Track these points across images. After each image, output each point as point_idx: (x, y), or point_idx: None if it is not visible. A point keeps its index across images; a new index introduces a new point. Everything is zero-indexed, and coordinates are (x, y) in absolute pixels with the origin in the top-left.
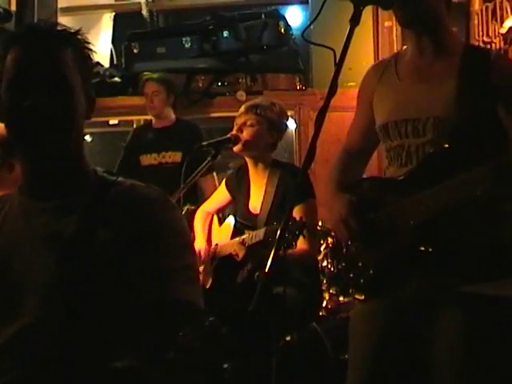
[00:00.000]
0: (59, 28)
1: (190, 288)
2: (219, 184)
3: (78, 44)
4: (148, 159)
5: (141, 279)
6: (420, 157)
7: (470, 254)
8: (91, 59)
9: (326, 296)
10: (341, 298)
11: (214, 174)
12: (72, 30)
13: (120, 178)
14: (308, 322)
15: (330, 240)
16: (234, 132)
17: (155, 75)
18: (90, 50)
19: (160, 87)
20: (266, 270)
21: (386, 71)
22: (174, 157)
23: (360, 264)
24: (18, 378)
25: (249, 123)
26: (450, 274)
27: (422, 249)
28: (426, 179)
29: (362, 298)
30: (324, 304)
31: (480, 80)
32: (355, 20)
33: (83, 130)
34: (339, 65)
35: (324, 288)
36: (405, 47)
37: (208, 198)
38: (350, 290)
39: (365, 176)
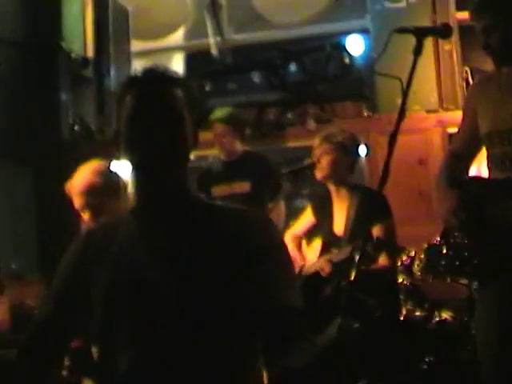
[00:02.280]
0: (171, 72)
1: (296, 296)
2: (287, 208)
3: (185, 85)
4: (219, 191)
5: (256, 290)
6: None
7: None
8: (195, 98)
9: (403, 310)
10: (417, 313)
11: (282, 202)
12: (182, 76)
13: (221, 203)
14: (388, 333)
15: (404, 258)
16: (311, 160)
17: (222, 115)
18: (193, 90)
19: (227, 127)
20: (352, 279)
21: (489, 84)
22: (244, 186)
23: (466, 254)
24: None
25: (325, 152)
26: None
27: None
28: None
29: (466, 282)
30: (402, 318)
31: None
32: (418, 51)
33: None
34: (406, 93)
35: (401, 303)
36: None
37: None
38: (457, 275)
39: (471, 175)
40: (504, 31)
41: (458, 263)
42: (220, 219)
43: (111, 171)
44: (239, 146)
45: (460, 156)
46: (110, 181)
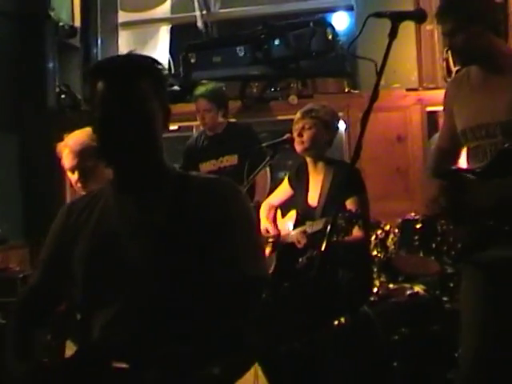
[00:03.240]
0: (136, 59)
1: (257, 263)
2: (271, 180)
3: (153, 71)
4: (207, 166)
5: (218, 258)
6: (493, 154)
7: None
8: (165, 80)
9: (377, 283)
10: (390, 285)
11: (267, 169)
12: (148, 60)
13: (194, 173)
14: (360, 305)
15: (379, 232)
16: (291, 135)
17: (206, 91)
18: (164, 73)
19: (210, 104)
20: (323, 249)
21: (461, 85)
22: (231, 160)
23: (451, 239)
24: (121, 347)
25: (307, 126)
26: None
27: (498, 226)
28: (498, 171)
29: (455, 265)
30: (375, 290)
31: None
32: (393, 35)
33: (162, 138)
34: (379, 75)
35: (375, 276)
36: None
37: (260, 191)
38: (445, 260)
39: (452, 167)
40: (467, 33)
41: (445, 248)
42: (190, 189)
43: None
44: (222, 120)
45: (445, 151)
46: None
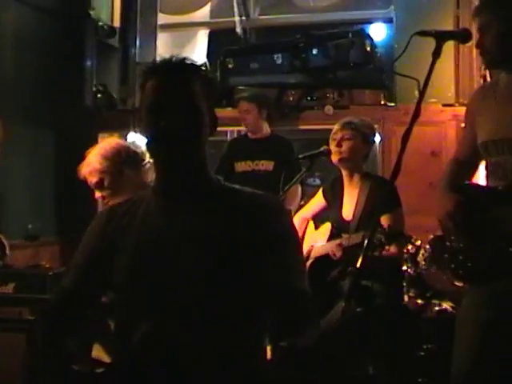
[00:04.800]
0: (189, 62)
1: (303, 278)
2: (301, 194)
3: (203, 75)
4: (242, 166)
5: (266, 272)
6: None
7: None
8: (214, 87)
9: (406, 298)
10: (418, 301)
11: (298, 185)
12: (200, 66)
13: (238, 187)
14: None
15: (409, 247)
16: (327, 147)
17: (246, 94)
18: (213, 79)
19: (251, 105)
20: (358, 265)
21: (486, 95)
22: (267, 165)
23: (461, 257)
24: (163, 355)
25: (346, 137)
26: None
27: None
28: None
29: (461, 285)
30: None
31: None
32: (437, 54)
33: (206, 144)
34: (422, 94)
35: (404, 290)
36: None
37: (291, 201)
38: (452, 278)
39: (469, 182)
40: (496, 32)
41: (453, 266)
42: (237, 203)
43: (119, 149)
44: (266, 126)
45: (462, 163)
46: (113, 162)
